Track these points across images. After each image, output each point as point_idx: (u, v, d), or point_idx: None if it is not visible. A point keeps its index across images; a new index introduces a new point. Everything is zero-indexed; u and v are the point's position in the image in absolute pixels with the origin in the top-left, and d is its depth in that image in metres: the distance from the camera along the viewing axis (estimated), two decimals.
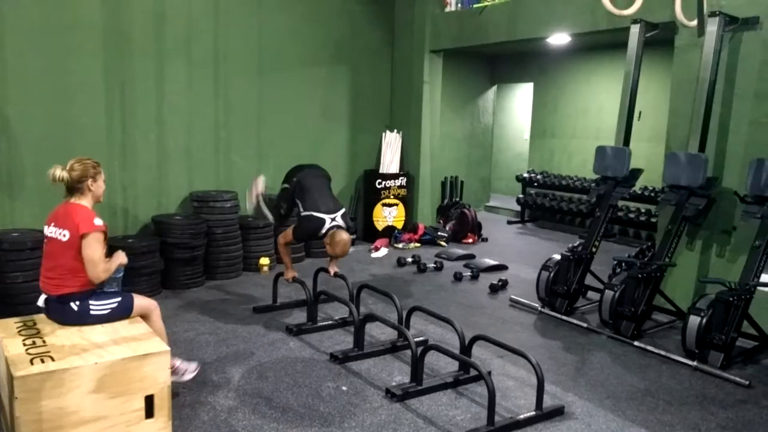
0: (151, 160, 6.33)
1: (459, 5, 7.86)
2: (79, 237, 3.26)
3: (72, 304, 3.33)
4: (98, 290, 3.43)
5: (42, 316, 3.47)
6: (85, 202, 3.40)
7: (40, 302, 3.42)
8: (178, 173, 6.55)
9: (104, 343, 3.14)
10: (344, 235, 4.72)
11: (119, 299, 3.47)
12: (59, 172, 3.33)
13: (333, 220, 4.75)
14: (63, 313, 3.36)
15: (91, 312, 3.37)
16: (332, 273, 5.22)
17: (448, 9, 7.98)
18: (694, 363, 4.36)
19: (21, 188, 5.49)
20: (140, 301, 3.55)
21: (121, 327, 3.37)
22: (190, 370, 3.79)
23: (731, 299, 4.26)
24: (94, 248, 3.29)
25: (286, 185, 5.08)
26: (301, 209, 4.85)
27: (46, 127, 5.59)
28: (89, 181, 3.38)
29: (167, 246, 5.80)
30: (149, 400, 3.05)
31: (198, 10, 6.50)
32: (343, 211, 4.87)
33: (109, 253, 3.52)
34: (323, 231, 4.74)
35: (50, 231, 3.38)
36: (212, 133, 6.79)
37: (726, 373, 4.20)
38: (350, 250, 7.47)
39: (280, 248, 5.11)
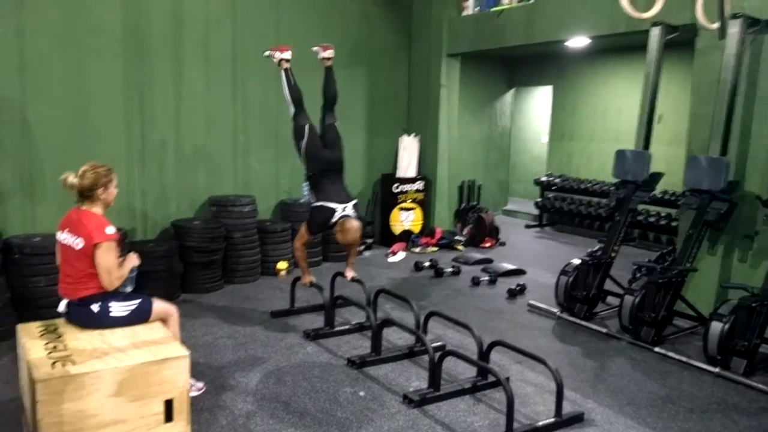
0: (170, 164, 6.38)
1: (477, 8, 7.84)
2: (92, 246, 3.29)
3: (93, 306, 3.37)
4: (116, 292, 3.46)
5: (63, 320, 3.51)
6: (97, 209, 3.43)
7: (61, 308, 3.45)
8: (197, 177, 6.60)
9: (124, 347, 3.17)
10: (354, 223, 4.79)
11: (139, 301, 3.50)
12: (71, 179, 3.35)
13: (344, 209, 4.83)
14: (84, 316, 3.39)
15: (111, 313, 3.40)
16: (349, 278, 5.23)
17: (465, 13, 7.96)
18: (716, 369, 4.30)
19: (42, 193, 5.55)
20: (159, 306, 3.58)
21: (141, 331, 3.40)
22: (196, 387, 3.76)
23: (754, 305, 4.20)
24: (107, 257, 3.32)
25: (303, 138, 5.10)
26: (314, 200, 4.95)
27: (66, 131, 5.66)
28: (100, 190, 3.40)
29: (186, 250, 5.86)
30: (168, 404, 3.08)
31: (216, 13, 6.55)
32: (354, 201, 4.97)
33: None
34: (334, 220, 4.82)
35: (63, 237, 3.41)
36: (231, 137, 6.83)
37: (749, 380, 4.14)
38: (367, 254, 7.57)
39: (296, 252, 5.13)
